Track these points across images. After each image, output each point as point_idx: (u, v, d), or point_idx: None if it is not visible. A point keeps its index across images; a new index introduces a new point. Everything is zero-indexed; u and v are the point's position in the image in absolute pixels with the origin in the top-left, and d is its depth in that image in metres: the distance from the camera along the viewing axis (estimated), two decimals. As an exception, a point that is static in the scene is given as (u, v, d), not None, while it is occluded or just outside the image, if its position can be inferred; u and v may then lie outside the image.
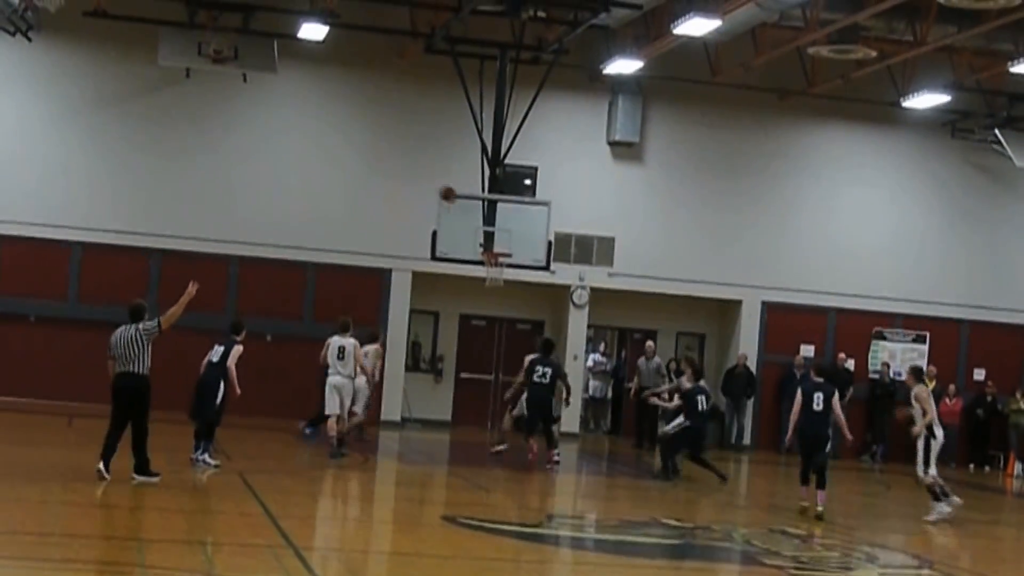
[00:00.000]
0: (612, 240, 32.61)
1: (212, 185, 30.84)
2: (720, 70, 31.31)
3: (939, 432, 20.17)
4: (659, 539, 16.92)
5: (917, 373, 21.30)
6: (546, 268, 28.10)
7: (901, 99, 31.51)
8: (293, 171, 31.22)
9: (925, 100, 31.13)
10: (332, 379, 22.67)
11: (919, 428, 20.01)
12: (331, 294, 30.60)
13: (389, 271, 31.50)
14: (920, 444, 20.11)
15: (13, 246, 29.83)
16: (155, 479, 17.29)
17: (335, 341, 22.79)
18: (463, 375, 32.57)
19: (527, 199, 30.40)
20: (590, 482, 25.84)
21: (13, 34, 28.72)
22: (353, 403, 23.51)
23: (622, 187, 33.01)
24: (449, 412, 32.84)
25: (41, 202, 30.02)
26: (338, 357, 22.59)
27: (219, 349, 20.79)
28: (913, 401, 20.22)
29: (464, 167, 29.85)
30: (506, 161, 28.79)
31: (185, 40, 28.58)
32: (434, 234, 27.16)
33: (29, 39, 29.10)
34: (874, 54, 28.16)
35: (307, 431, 25.51)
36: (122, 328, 17.67)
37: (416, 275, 31.23)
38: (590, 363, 34.66)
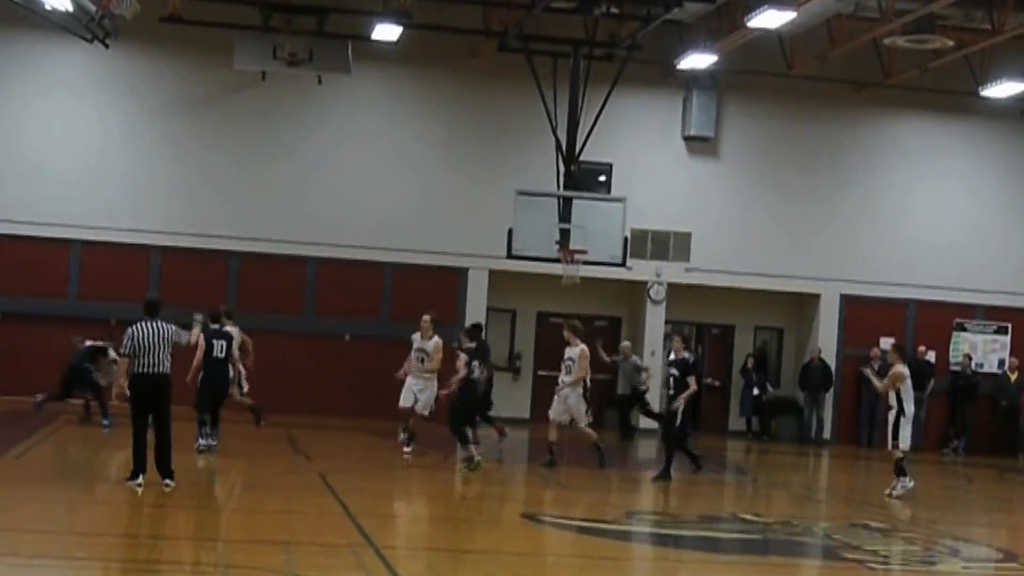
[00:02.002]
0: (688, 235, 32.51)
1: (289, 187, 31.05)
2: (795, 62, 31.13)
3: (909, 409, 21.24)
4: (739, 534, 16.86)
5: (900, 350, 22.14)
6: (622, 264, 28.09)
7: (979, 88, 31.22)
8: (369, 172, 31.37)
9: (1003, 89, 30.82)
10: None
11: (881, 388, 21.79)
12: (408, 294, 30.71)
13: (466, 270, 31.57)
14: (891, 419, 21.36)
15: (94, 251, 30.19)
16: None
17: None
18: (541, 372, 32.57)
19: (602, 196, 30.42)
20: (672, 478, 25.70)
21: (91, 41, 29.06)
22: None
23: (698, 182, 32.91)
24: (527, 410, 32.87)
25: (120, 208, 30.36)
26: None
27: (221, 344, 21.25)
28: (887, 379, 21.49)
29: (539, 165, 29.92)
30: (581, 158, 28.84)
31: (260, 44, 28.78)
32: (510, 232, 27.21)
33: (106, 46, 29.44)
34: (951, 43, 27.88)
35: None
36: (147, 324, 17.00)
37: (493, 273, 31.28)
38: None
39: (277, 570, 12.23)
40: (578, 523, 16.49)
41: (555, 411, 22.71)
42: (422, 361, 22.25)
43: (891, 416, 21.36)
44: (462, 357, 21.70)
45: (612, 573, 14.08)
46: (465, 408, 22.00)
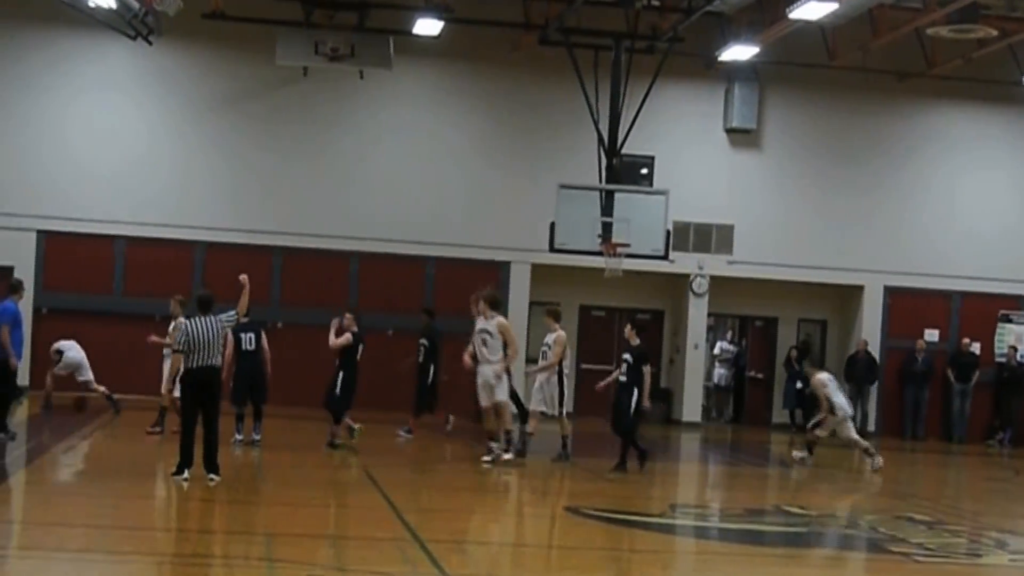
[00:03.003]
0: (731, 228, 32.44)
1: (331, 182, 31.15)
2: (838, 53, 31.01)
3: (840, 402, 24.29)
4: (783, 527, 16.84)
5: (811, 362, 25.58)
6: (665, 257, 28.06)
7: (1023, 78, 31.02)
8: (411, 166, 31.43)
9: (1048, 78, 30.65)
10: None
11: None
12: (451, 288, 30.74)
13: (508, 264, 31.59)
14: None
15: (139, 248, 30.36)
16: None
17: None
18: (584, 366, 32.56)
19: (645, 188, 30.38)
20: (712, 471, 25.71)
21: (134, 38, 29.21)
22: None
23: (740, 174, 32.83)
24: (571, 403, 32.84)
25: (165, 204, 30.53)
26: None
27: (249, 336, 21.67)
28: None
29: (581, 158, 29.91)
30: (623, 151, 28.81)
31: (302, 39, 28.88)
32: (552, 226, 27.21)
33: (150, 43, 29.57)
34: (995, 33, 27.72)
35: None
36: (200, 320, 16.99)
37: (535, 267, 31.30)
38: (717, 350, 34.60)
39: (323, 564, 12.29)
40: (622, 516, 16.49)
41: (533, 400, 22.25)
42: (484, 343, 20.89)
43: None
44: None
45: (657, 567, 14.07)
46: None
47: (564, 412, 22.14)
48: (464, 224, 31.40)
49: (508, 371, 21.31)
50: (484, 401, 20.72)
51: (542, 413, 22.04)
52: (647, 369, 21.24)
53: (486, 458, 20.50)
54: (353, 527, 14.70)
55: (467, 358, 21.39)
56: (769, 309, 34.31)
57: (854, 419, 32.93)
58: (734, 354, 34.81)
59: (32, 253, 30.08)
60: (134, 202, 30.38)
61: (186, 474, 16.74)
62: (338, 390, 22.09)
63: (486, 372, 20.78)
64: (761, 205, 32.76)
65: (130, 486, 17.78)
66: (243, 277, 17.79)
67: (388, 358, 28.56)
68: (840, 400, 24.43)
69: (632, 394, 20.98)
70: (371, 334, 29.91)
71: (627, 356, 21.27)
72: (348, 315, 22.35)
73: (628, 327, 22.10)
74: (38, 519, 14.50)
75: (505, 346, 20.83)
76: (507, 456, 20.80)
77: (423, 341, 24.98)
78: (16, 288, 21.47)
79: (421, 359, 24.87)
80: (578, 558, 13.69)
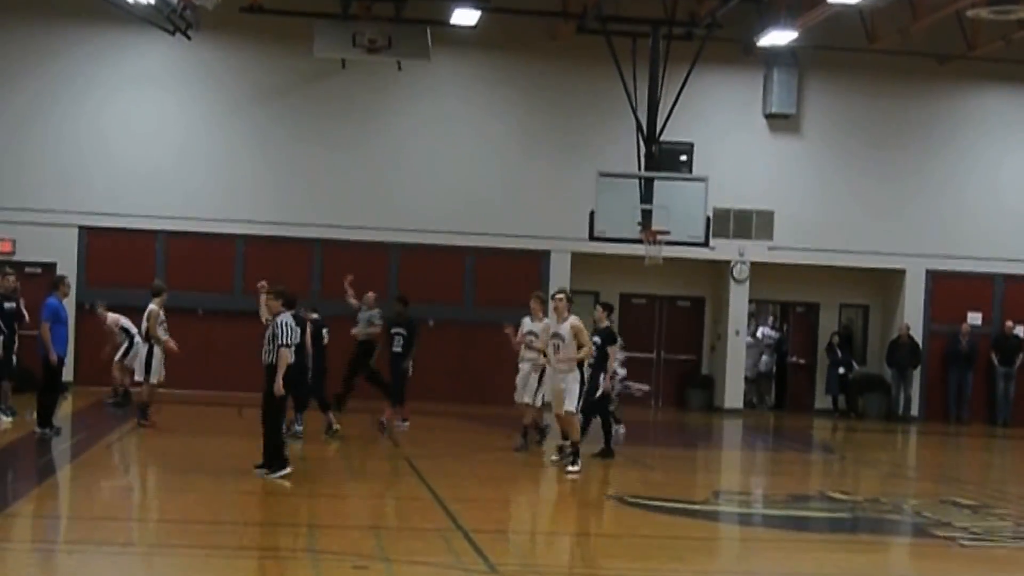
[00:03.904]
0: (771, 213, 32.33)
1: (371, 174, 31.19)
2: (877, 37, 30.83)
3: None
4: (827, 513, 16.79)
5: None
6: (705, 244, 27.99)
7: (1065, 59, 30.85)
8: (450, 156, 31.45)
9: (1090, 59, 30.40)
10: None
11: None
12: (491, 278, 30.80)
13: (548, 253, 31.57)
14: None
15: (180, 242, 30.49)
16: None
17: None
18: (625, 354, 32.51)
19: (684, 175, 30.33)
20: (755, 457, 25.64)
21: (173, 33, 29.33)
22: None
23: (780, 159, 32.72)
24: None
25: (204, 198, 30.65)
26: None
27: (324, 332, 22.05)
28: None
29: (620, 145, 29.87)
30: (662, 138, 28.74)
31: (339, 31, 28.90)
32: (592, 214, 27.18)
33: (188, 37, 29.69)
34: (1035, 14, 27.53)
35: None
36: (291, 316, 17.39)
37: (575, 256, 31.26)
38: (759, 335, 34.48)
39: (368, 555, 12.32)
40: (666, 504, 16.47)
41: (518, 393, 21.64)
42: (557, 348, 19.29)
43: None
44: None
45: (702, 554, 14.06)
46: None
47: (540, 402, 21.56)
48: (503, 214, 31.40)
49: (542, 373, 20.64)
50: (557, 408, 19.18)
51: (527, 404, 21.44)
52: (611, 350, 21.00)
53: (573, 468, 18.79)
54: (397, 518, 14.74)
55: (517, 343, 21.31)
56: (810, 295, 34.19)
57: (891, 402, 32.99)
58: (776, 340, 34.69)
59: (74, 249, 30.27)
60: (175, 197, 30.51)
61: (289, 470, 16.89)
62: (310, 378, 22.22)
63: (556, 379, 19.26)
64: (801, 190, 32.64)
65: (175, 480, 17.88)
66: (262, 284, 17.99)
67: (429, 350, 28.61)
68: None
69: (599, 377, 20.71)
70: (412, 325, 30.12)
71: (595, 338, 20.75)
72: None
73: (598, 308, 21.95)
74: (84, 513, 14.60)
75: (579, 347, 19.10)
76: (573, 468, 18.82)
77: (399, 330, 23.71)
78: (58, 284, 21.56)
79: (399, 349, 23.59)
80: (623, 546, 13.69)
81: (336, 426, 21.96)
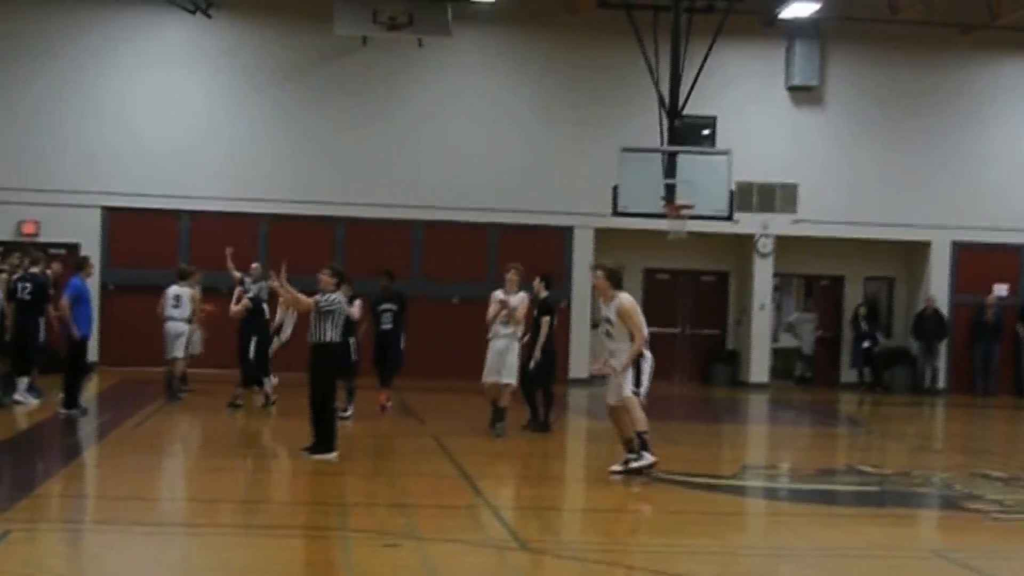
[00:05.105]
0: (795, 186, 32.22)
1: (392, 151, 31.15)
2: (899, 7, 30.68)
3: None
4: (856, 486, 16.71)
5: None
6: (729, 218, 27.85)
7: (1089, 27, 30.62)
8: (472, 133, 31.40)
9: (1115, 26, 30.16)
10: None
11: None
12: (515, 254, 30.64)
13: (571, 228, 31.51)
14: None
15: (203, 222, 30.49)
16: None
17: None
18: (649, 329, 32.43)
19: (707, 149, 30.21)
20: (782, 432, 25.55)
21: (193, 12, 29.32)
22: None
23: (803, 132, 32.59)
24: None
25: (227, 177, 30.67)
26: None
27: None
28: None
29: (642, 120, 29.77)
30: (684, 112, 28.59)
31: (360, 9, 28.86)
32: (615, 189, 27.08)
33: (209, 16, 29.69)
34: (1060, -18, 27.34)
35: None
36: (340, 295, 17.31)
37: (599, 231, 31.19)
38: (792, 318, 34.33)
39: (397, 532, 12.29)
40: (694, 479, 16.41)
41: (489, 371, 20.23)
42: (608, 334, 16.38)
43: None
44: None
45: (732, 529, 14.01)
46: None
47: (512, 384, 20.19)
48: (526, 190, 31.34)
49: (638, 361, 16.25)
50: (611, 399, 16.29)
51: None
52: (545, 320, 20.47)
53: (616, 467, 16.06)
54: (426, 495, 14.69)
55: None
56: (835, 267, 34.08)
57: (917, 375, 32.88)
58: (813, 319, 34.41)
59: (97, 230, 30.29)
60: (197, 176, 30.53)
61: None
62: (251, 355, 22.24)
63: (611, 368, 16.31)
64: (825, 163, 32.51)
65: (202, 459, 17.93)
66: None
67: (454, 326, 28.62)
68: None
69: (534, 349, 20.41)
70: (435, 302, 30.14)
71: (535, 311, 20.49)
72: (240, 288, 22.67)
73: (536, 280, 21.03)
74: (113, 493, 14.59)
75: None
76: (641, 463, 15.92)
77: (388, 306, 22.38)
78: (82, 265, 21.63)
79: (390, 326, 22.29)
80: (652, 522, 13.65)
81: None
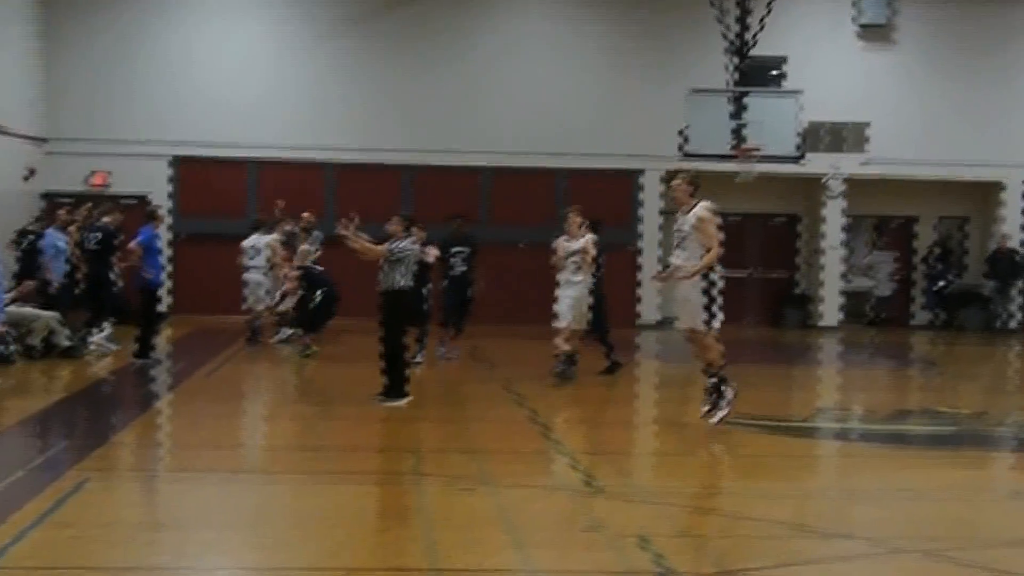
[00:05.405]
0: (865, 126, 31.85)
1: (459, 98, 31.06)
2: (971, -58, 30.21)
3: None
4: (932, 428, 16.57)
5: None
6: (798, 159, 27.61)
7: None
8: (538, 77, 31.25)
9: None
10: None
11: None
12: (582, 199, 30.50)
13: (640, 172, 31.34)
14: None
15: (270, 171, 30.56)
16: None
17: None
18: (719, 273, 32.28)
19: (775, 90, 29.93)
20: (855, 374, 25.35)
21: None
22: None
23: (873, 71, 32.20)
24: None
25: (294, 126, 30.70)
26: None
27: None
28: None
29: (709, 61, 29.53)
30: (752, 52, 28.33)
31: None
32: (683, 132, 26.89)
33: (274, -35, 29.64)
34: None
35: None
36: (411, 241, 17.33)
37: (667, 175, 31.02)
38: (869, 260, 34.01)
39: (470, 477, 12.29)
40: (767, 422, 16.33)
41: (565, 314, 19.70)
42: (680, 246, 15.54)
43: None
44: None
45: (806, 471, 13.94)
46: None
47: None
48: (594, 134, 31.20)
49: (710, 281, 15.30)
50: (685, 323, 15.47)
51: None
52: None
53: (710, 410, 15.47)
54: (499, 441, 14.68)
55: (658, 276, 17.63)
56: (907, 208, 33.77)
57: (991, 315, 32.57)
58: (890, 259, 34.05)
59: (166, 181, 30.43)
60: (264, 126, 30.59)
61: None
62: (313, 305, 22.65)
63: (683, 286, 15.34)
64: (896, 101, 32.13)
65: (275, 407, 18.02)
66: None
67: (524, 271, 28.58)
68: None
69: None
70: (504, 248, 30.10)
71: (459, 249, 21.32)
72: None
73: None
74: (188, 441, 14.70)
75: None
76: (726, 410, 15.36)
77: (459, 249, 22.33)
78: (153, 215, 21.76)
79: (462, 269, 22.30)
80: (726, 466, 13.59)
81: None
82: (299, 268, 23.09)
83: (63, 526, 10.15)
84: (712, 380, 15.42)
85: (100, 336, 22.45)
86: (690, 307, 15.11)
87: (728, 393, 15.33)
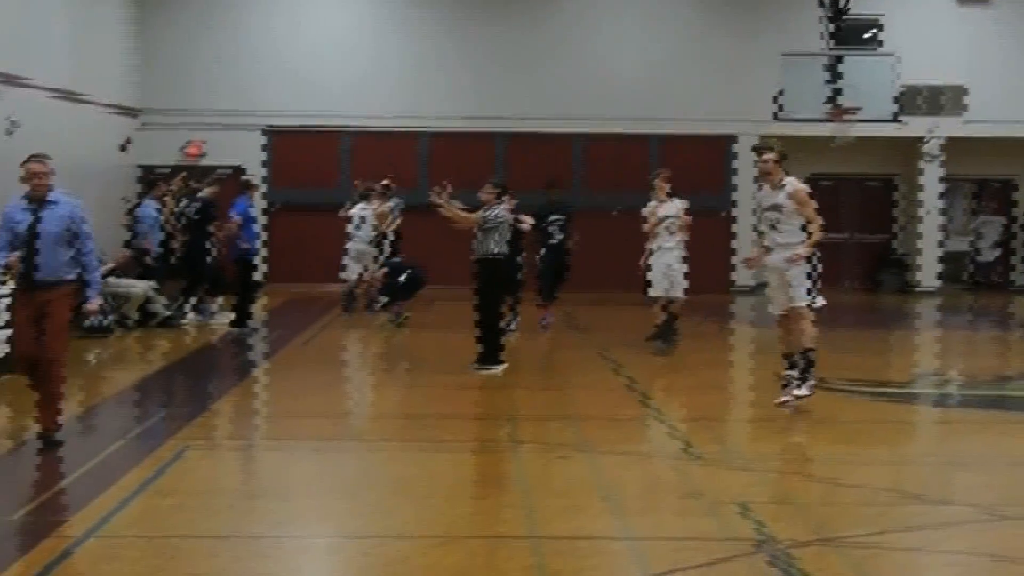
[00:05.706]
0: (964, 87, 31.34)
1: (550, 63, 30.93)
2: None
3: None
4: (1035, 393, 16.35)
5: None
6: (895, 121, 27.30)
7: None
8: (629, 41, 31.05)
9: None
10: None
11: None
12: (676, 164, 30.33)
13: (734, 136, 31.07)
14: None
15: (363, 140, 30.62)
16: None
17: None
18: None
19: (872, 51, 29.56)
20: (955, 338, 25.03)
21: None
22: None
23: (972, 30, 31.66)
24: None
25: (386, 95, 30.71)
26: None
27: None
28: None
29: (803, 22, 29.21)
30: (847, 13, 27.99)
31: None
32: (778, 95, 26.65)
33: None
34: None
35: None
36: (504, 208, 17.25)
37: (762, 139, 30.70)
38: (976, 223, 33.52)
39: (568, 444, 12.27)
40: (866, 387, 16.16)
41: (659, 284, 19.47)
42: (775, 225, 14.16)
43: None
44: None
45: (906, 436, 13.79)
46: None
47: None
48: (687, 98, 30.95)
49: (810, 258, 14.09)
50: (777, 308, 14.28)
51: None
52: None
53: (782, 398, 14.21)
54: (595, 407, 14.64)
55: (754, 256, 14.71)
56: (1006, 169, 33.26)
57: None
58: (996, 222, 33.49)
59: (259, 151, 30.59)
60: (356, 95, 30.63)
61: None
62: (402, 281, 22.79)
63: (779, 262, 14.12)
64: (995, 61, 31.58)
65: (371, 375, 18.10)
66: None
67: (616, 238, 28.47)
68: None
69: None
70: (597, 214, 29.98)
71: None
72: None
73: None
74: (285, 410, 14.78)
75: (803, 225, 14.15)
76: (802, 392, 14.11)
77: (556, 217, 22.07)
78: (247, 186, 21.91)
79: (560, 237, 22.08)
80: (824, 431, 13.45)
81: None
82: (382, 266, 23.30)
83: (164, 495, 10.25)
84: (802, 358, 14.06)
85: (211, 308, 22.83)
86: (787, 288, 14.06)
87: (811, 380, 14.16)
